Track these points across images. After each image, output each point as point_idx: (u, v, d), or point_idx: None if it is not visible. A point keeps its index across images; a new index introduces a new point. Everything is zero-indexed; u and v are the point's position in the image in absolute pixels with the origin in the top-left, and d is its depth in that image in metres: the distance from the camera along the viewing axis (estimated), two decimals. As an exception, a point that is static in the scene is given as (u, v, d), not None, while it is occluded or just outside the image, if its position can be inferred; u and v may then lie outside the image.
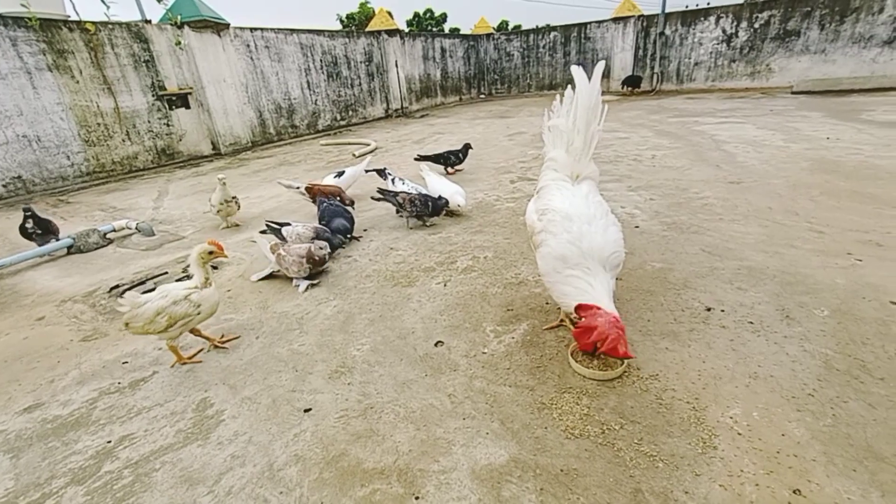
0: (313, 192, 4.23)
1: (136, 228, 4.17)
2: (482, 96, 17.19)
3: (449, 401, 1.86)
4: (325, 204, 3.73)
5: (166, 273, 3.30)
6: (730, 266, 2.77)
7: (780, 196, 3.93)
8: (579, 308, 1.84)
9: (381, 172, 4.53)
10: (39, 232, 3.90)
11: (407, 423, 1.77)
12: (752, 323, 2.20)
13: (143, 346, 2.45)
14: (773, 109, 8.56)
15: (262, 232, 3.46)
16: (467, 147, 5.81)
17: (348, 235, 3.49)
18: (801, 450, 1.49)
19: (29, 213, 3.84)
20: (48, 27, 6.29)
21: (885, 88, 9.55)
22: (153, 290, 3.02)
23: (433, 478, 1.51)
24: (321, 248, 2.96)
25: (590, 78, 2.10)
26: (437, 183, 4.21)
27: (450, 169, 5.77)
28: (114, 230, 4.21)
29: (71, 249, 3.92)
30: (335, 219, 3.51)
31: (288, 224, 3.36)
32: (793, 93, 10.56)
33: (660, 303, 2.44)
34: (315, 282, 3.02)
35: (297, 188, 4.41)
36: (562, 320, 2.30)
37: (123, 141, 7.30)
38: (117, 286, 3.14)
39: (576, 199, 2.12)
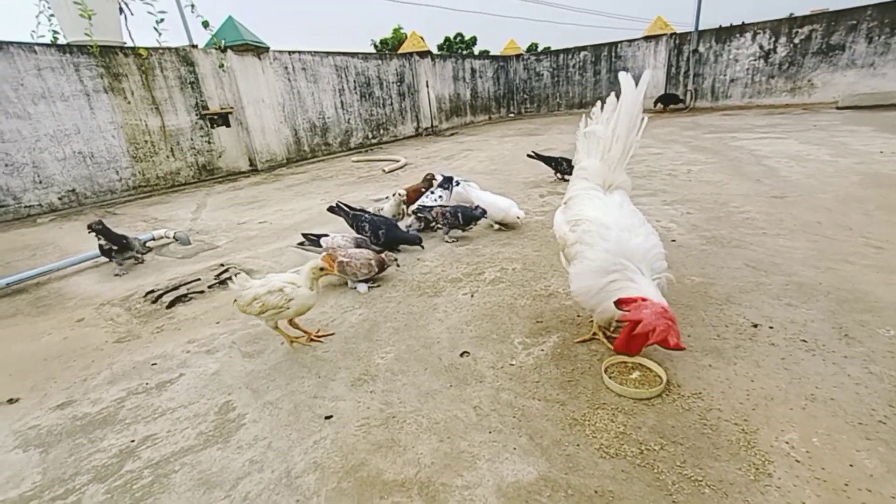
0: (410, 195, 4.35)
1: (174, 238, 4.32)
2: (511, 115, 17.28)
3: (474, 413, 1.78)
4: (367, 216, 3.69)
5: (199, 280, 3.38)
6: (777, 281, 2.58)
7: (830, 210, 3.68)
8: (621, 302, 1.71)
9: (444, 181, 4.37)
10: (115, 248, 3.71)
11: (430, 434, 1.69)
12: (805, 341, 2.02)
13: (172, 348, 2.48)
14: (816, 125, 8.18)
15: (300, 244, 3.52)
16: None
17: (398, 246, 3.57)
18: (876, 484, 1.32)
19: (99, 227, 3.59)
20: (106, 53, 6.76)
21: (942, 102, 9.00)
22: (186, 295, 3.11)
23: (456, 493, 1.42)
24: (392, 258, 3.09)
25: (636, 84, 2.03)
26: (487, 198, 4.01)
27: (559, 175, 5.69)
28: (153, 238, 4.37)
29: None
30: (392, 230, 3.54)
31: (326, 235, 3.42)
32: (838, 108, 10.09)
33: (701, 318, 2.29)
34: (376, 284, 3.06)
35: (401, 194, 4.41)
36: (594, 333, 2.18)
37: (168, 157, 7.68)
38: (152, 291, 3.23)
39: (610, 208, 2.04)
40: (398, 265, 3.13)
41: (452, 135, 12.74)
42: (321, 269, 2.25)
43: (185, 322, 2.79)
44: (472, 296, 2.79)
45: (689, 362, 1.95)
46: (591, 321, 2.24)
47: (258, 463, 1.62)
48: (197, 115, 7.97)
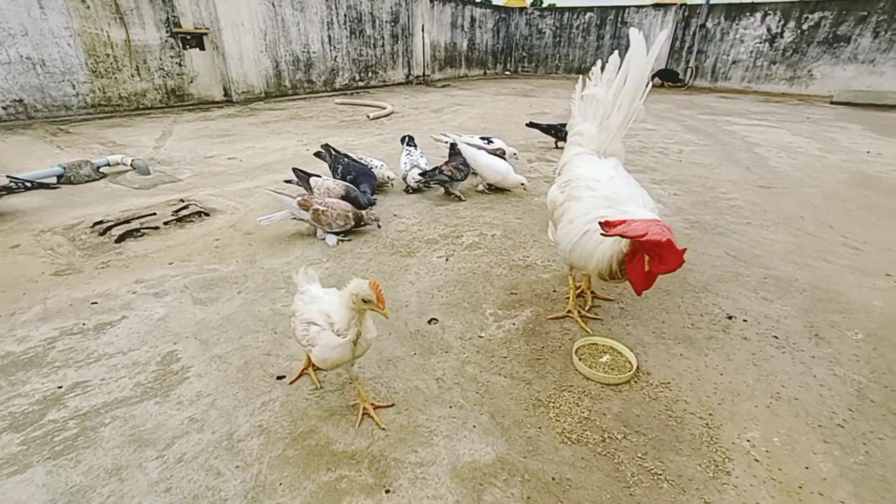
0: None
1: (132, 165, 3.97)
2: (507, 73, 16.60)
3: (436, 385, 1.69)
4: (346, 160, 3.46)
5: (154, 214, 3.12)
6: (755, 274, 2.55)
7: (814, 206, 3.66)
8: (606, 224, 1.45)
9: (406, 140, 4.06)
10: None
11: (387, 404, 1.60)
12: (776, 338, 1.99)
13: (116, 287, 2.28)
14: (809, 117, 8.13)
15: (287, 181, 3.28)
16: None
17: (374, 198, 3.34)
18: (828, 488, 1.31)
19: None
20: (60, -56, 5.93)
21: (931, 108, 9.05)
22: (138, 230, 2.87)
23: (408, 470, 1.35)
24: (373, 217, 2.91)
25: (648, 49, 1.83)
26: (483, 158, 3.76)
27: (559, 144, 5.42)
28: (108, 164, 4.01)
29: (61, 179, 3.73)
30: (362, 179, 3.30)
31: (318, 176, 3.17)
32: (832, 103, 10.06)
33: (677, 304, 2.23)
34: (347, 238, 2.88)
35: (447, 141, 4.15)
36: (569, 311, 2.10)
37: (132, 76, 7.02)
38: (101, 222, 2.96)
39: (603, 169, 1.90)
40: (379, 225, 2.95)
41: (444, 86, 12.16)
42: (365, 300, 1.35)
43: (135, 260, 2.57)
44: (446, 259, 2.66)
45: (660, 350, 1.90)
46: (567, 298, 2.16)
47: (198, 422, 1.50)
48: (167, 31, 7.23)
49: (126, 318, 2.05)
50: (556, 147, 5.48)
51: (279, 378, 1.70)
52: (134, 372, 1.71)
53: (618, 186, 1.72)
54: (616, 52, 2.05)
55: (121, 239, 2.77)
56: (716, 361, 1.83)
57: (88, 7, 6.33)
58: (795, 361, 1.84)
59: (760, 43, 11.84)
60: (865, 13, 10.31)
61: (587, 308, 2.15)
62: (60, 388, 1.62)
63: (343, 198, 3.01)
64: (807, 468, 1.37)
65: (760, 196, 3.89)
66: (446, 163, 3.67)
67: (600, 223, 1.46)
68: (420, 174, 3.65)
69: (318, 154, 3.64)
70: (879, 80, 10.44)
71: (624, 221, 1.42)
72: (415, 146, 3.91)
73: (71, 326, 1.96)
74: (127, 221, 2.97)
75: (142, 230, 2.89)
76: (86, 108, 6.61)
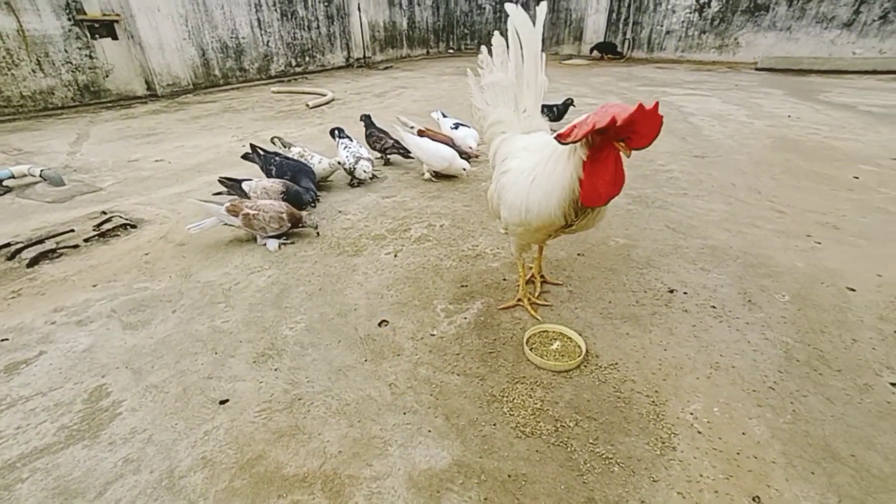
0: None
1: (41, 176, 3.58)
2: (451, 51, 16.32)
3: (389, 391, 1.66)
4: (277, 159, 3.26)
5: (73, 231, 2.84)
6: (693, 245, 2.67)
7: (744, 173, 3.87)
8: (560, 136, 1.36)
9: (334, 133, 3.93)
10: None
11: (339, 417, 1.55)
12: (714, 307, 2.10)
13: (31, 319, 2.07)
14: (737, 84, 8.56)
15: (217, 193, 3.04)
16: (567, 104, 5.21)
17: (317, 195, 3.17)
18: (761, 450, 1.40)
19: None
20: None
21: (840, 71, 9.77)
22: (54, 250, 2.61)
23: (363, 486, 1.32)
24: (311, 224, 2.77)
25: (534, 22, 1.80)
26: (427, 145, 3.69)
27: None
28: (12, 177, 3.60)
29: (-44, 198, 3.31)
30: (301, 176, 3.13)
31: (248, 179, 2.97)
32: (756, 69, 10.63)
33: (622, 283, 2.30)
34: (289, 241, 2.72)
35: (412, 128, 4.09)
36: (518, 300, 2.11)
37: (34, 72, 6.31)
38: (9, 244, 2.66)
39: (536, 136, 1.87)
40: (318, 233, 2.80)
41: (387, 69, 11.80)
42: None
43: (52, 285, 2.34)
44: (395, 255, 2.60)
45: (608, 330, 1.95)
46: (517, 287, 2.17)
47: (134, 462, 1.39)
48: (69, 19, 6.51)
49: (44, 353, 1.86)
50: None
51: (222, 403, 1.61)
52: (56, 414, 1.56)
53: (547, 137, 1.69)
54: (497, 32, 1.99)
55: (34, 262, 2.51)
56: (660, 337, 1.91)
57: (-30, -5, 5.58)
58: (732, 329, 1.95)
59: (691, 13, 12.26)
60: (782, -19, 10.87)
61: (537, 294, 2.17)
62: (-33, 443, 1.45)
63: (284, 196, 2.87)
64: (743, 434, 1.46)
65: (696, 166, 4.07)
66: (378, 137, 3.96)
67: (556, 136, 1.34)
68: (382, 151, 3.69)
69: (245, 157, 3.42)
70: (796, 47, 11.12)
71: (574, 125, 1.32)
72: (349, 137, 3.76)
73: (-23, 370, 1.76)
74: (40, 241, 2.69)
75: (58, 250, 2.63)
76: (-18, 111, 5.90)
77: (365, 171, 3.51)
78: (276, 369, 1.76)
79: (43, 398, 1.63)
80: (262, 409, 1.58)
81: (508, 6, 1.82)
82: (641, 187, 3.57)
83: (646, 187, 3.57)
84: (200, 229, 2.60)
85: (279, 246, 2.67)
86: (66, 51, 6.55)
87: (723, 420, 1.51)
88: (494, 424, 1.51)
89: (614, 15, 13.23)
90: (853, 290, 2.18)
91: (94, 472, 1.36)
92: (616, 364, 1.76)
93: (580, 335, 1.87)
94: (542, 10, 1.81)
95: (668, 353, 1.82)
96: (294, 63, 10.34)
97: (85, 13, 6.60)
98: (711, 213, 3.08)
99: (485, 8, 15.33)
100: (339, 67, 11.62)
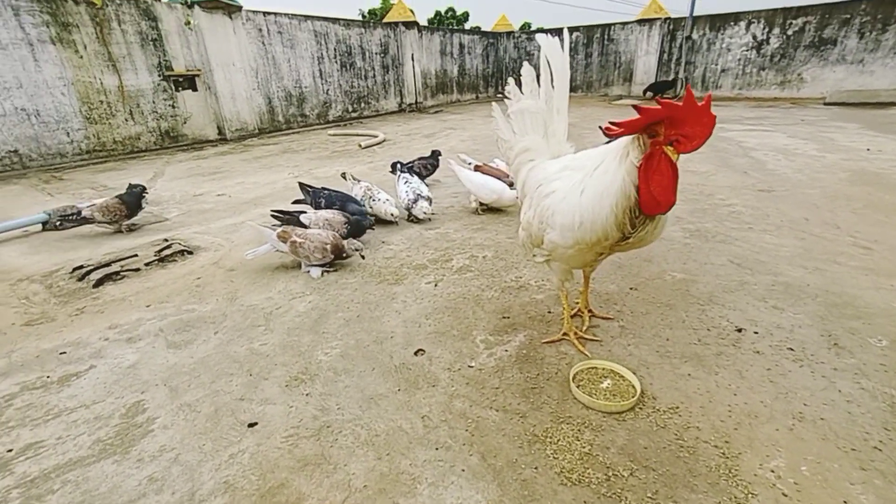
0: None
1: (118, 207, 3.91)
2: (500, 95, 16.82)
3: (422, 424, 1.54)
4: (325, 192, 3.38)
5: (136, 255, 3.04)
6: (762, 281, 2.40)
7: (817, 207, 3.53)
8: (607, 130, 1.32)
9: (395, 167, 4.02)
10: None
11: (367, 448, 1.45)
12: (792, 350, 1.84)
13: (88, 334, 2.17)
14: (804, 119, 8.08)
15: (275, 226, 3.15)
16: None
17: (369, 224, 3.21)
18: (869, 525, 1.14)
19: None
20: (53, -1, 6.11)
21: (926, 103, 8.99)
22: (118, 273, 2.78)
23: (387, 527, 1.19)
24: (355, 248, 2.74)
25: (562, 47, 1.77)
26: (478, 178, 3.70)
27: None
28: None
29: (46, 226, 3.68)
30: (349, 203, 3.22)
31: (304, 211, 3.09)
32: (825, 104, 10.03)
33: (681, 319, 2.09)
34: (331, 269, 2.76)
35: (470, 164, 4.19)
36: (564, 334, 1.96)
37: (126, 120, 7.11)
38: (81, 267, 2.88)
39: (574, 157, 1.78)
40: (363, 256, 2.81)
41: (437, 112, 12.30)
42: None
43: (111, 304, 2.47)
44: (435, 285, 2.53)
45: (666, 370, 1.75)
46: (562, 319, 2.02)
47: (158, 481, 1.36)
48: (160, 75, 7.37)
49: (94, 367, 1.92)
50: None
51: (251, 426, 1.56)
52: (94, 427, 1.58)
53: (590, 152, 1.58)
54: (526, 62, 1.99)
55: (99, 283, 2.68)
56: (728, 380, 1.67)
57: (81, 57, 6.47)
58: (816, 375, 1.68)
59: (747, 50, 11.94)
60: (848, 16, 10.40)
61: (584, 329, 2.01)
62: (10, 451, 1.48)
63: (348, 226, 2.92)
64: (845, 503, 1.20)
65: (761, 200, 3.77)
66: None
67: (603, 128, 1.29)
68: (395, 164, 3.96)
69: (297, 202, 3.55)
70: (870, 80, 10.44)
71: (622, 123, 1.26)
72: (410, 172, 3.80)
73: (34, 380, 1.84)
74: (107, 265, 2.89)
75: (122, 273, 2.80)
76: (80, 154, 6.67)
77: (424, 212, 3.46)
78: (307, 394, 1.70)
79: (86, 410, 1.66)
80: (289, 434, 1.52)
81: (539, 35, 1.84)
82: (700, 221, 3.34)
83: (705, 221, 3.33)
84: (256, 255, 2.72)
85: (322, 273, 2.70)
86: (153, 102, 7.38)
87: (815, 482, 1.26)
88: (536, 468, 1.35)
89: (665, 56, 13.14)
90: (971, 335, 1.84)
91: (119, 489, 1.33)
92: (677, 408, 1.55)
93: (634, 374, 1.68)
94: (565, 36, 1.81)
95: (739, 398, 1.58)
96: (350, 109, 11.03)
97: (173, 69, 7.46)
98: (782, 249, 2.79)
99: (533, 55, 15.78)
100: (392, 112, 12.25)
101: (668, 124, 1.19)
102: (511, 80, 2.01)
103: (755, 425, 1.46)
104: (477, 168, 4.07)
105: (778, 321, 2.03)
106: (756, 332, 1.96)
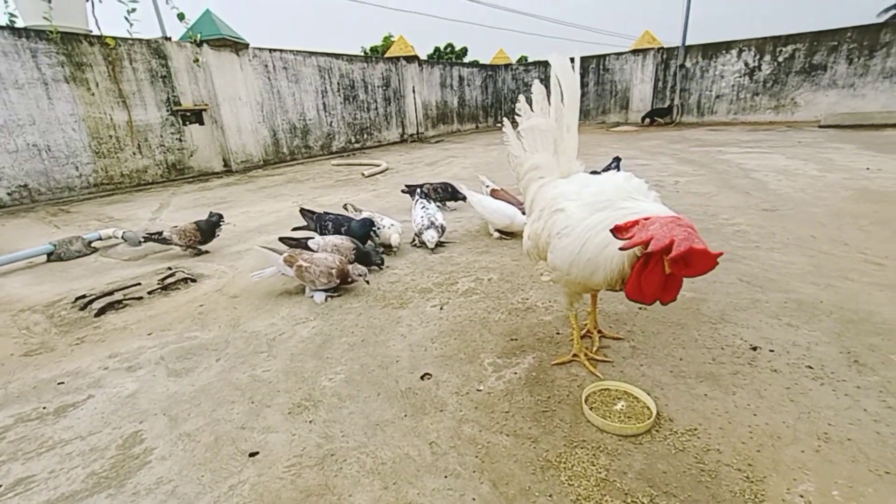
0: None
1: (122, 238, 3.94)
2: (499, 125, 17.17)
3: (429, 451, 1.48)
4: (331, 216, 3.41)
5: (139, 284, 3.02)
6: (774, 298, 2.36)
7: (823, 225, 3.51)
8: (617, 230, 1.30)
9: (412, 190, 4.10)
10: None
11: (373, 477, 1.38)
12: (811, 367, 1.78)
13: (88, 363, 2.13)
14: (801, 141, 8.17)
15: (285, 238, 3.14)
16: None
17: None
18: (912, 553, 1.06)
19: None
20: (69, 41, 6.36)
21: (921, 123, 9.10)
22: (120, 301, 2.76)
23: (395, 562, 1.12)
24: (359, 273, 2.72)
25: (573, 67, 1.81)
26: (491, 204, 3.75)
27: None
28: (100, 238, 3.99)
29: (51, 257, 3.69)
30: (357, 227, 3.23)
31: (311, 237, 3.10)
32: (820, 126, 10.17)
33: (693, 338, 2.03)
34: (335, 294, 2.73)
35: (487, 187, 4.29)
36: (574, 355, 1.91)
37: (134, 154, 7.26)
38: (84, 296, 2.86)
39: (574, 183, 1.77)
40: (367, 281, 2.79)
41: (438, 142, 12.52)
42: None
43: (112, 333, 2.44)
44: (441, 308, 2.50)
45: (681, 391, 1.69)
46: (572, 341, 1.97)
47: (154, 515, 1.29)
48: (168, 110, 7.57)
49: (92, 397, 1.88)
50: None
51: (252, 455, 1.50)
52: (89, 460, 1.52)
53: (604, 187, 1.58)
54: (537, 80, 2.04)
55: (101, 312, 2.66)
56: (746, 400, 1.61)
57: (93, 94, 6.67)
58: (839, 394, 1.62)
59: (741, 77, 12.23)
60: (835, 43, 10.69)
61: (595, 350, 1.96)
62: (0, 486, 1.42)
63: (356, 253, 2.91)
64: (879, 527, 1.13)
65: (765, 219, 3.76)
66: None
67: (612, 230, 1.29)
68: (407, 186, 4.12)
69: (297, 229, 3.59)
70: (862, 103, 10.63)
71: (638, 223, 1.26)
72: (428, 199, 3.82)
73: (29, 412, 1.79)
74: (110, 293, 2.87)
75: (124, 301, 2.78)
76: (88, 187, 6.78)
77: (430, 240, 3.39)
78: (310, 421, 1.65)
79: (81, 442, 1.61)
80: (291, 463, 1.45)
81: (550, 56, 1.87)
82: (706, 240, 3.31)
83: (711, 240, 3.30)
84: (261, 278, 2.73)
85: (325, 298, 2.67)
86: (161, 136, 7.55)
87: (847, 507, 1.19)
88: (550, 495, 1.28)
89: (660, 83, 13.47)
90: None
91: (114, 525, 1.27)
92: (695, 430, 1.49)
93: (649, 395, 1.62)
94: (577, 57, 1.87)
95: (760, 418, 1.52)
96: (353, 140, 11.25)
97: (181, 104, 7.67)
98: (791, 266, 2.76)
99: (531, 85, 16.15)
100: (394, 142, 12.49)
101: (676, 257, 1.17)
102: (522, 98, 2.05)
103: (779, 447, 1.40)
104: (493, 192, 4.09)
105: (794, 339, 1.98)
106: (772, 350, 1.90)
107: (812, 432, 1.45)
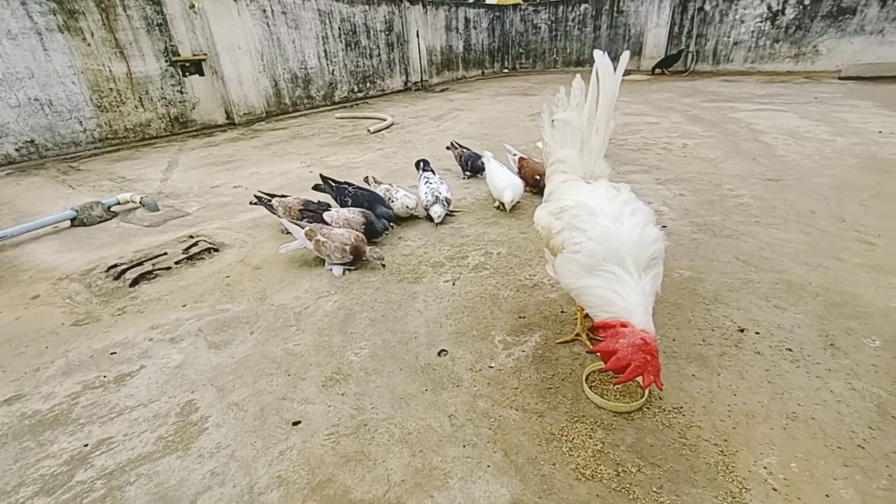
0: (523, 167, 4.02)
1: (140, 203, 4.06)
2: (505, 71, 16.54)
3: (449, 423, 1.71)
4: (351, 189, 3.48)
5: (165, 253, 3.19)
6: (766, 279, 2.52)
7: (825, 198, 3.59)
8: (596, 327, 1.60)
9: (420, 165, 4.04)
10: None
11: (402, 446, 1.62)
12: (790, 350, 1.97)
13: (133, 334, 2.34)
14: (817, 97, 7.96)
15: (299, 221, 3.21)
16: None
17: (391, 223, 3.31)
18: (849, 517, 1.30)
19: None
20: (58, -14, 6.07)
21: (944, 77, 8.79)
22: (151, 272, 2.94)
23: (425, 517, 1.37)
24: (376, 257, 2.84)
25: (615, 68, 1.82)
26: (497, 172, 3.77)
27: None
28: (118, 203, 4.11)
29: (74, 222, 3.83)
30: (377, 205, 3.34)
31: (327, 208, 3.21)
32: (840, 78, 9.82)
33: (687, 319, 2.22)
34: (353, 268, 2.89)
35: (515, 155, 4.22)
36: (577, 335, 2.10)
37: (136, 107, 7.17)
38: (115, 265, 3.04)
39: (596, 194, 1.88)
40: (383, 265, 2.90)
41: (443, 90, 12.16)
42: None
43: (149, 304, 2.64)
44: (453, 284, 2.67)
45: (672, 370, 1.89)
46: (575, 320, 2.16)
47: (220, 475, 1.54)
48: (167, 61, 7.36)
49: (144, 367, 2.10)
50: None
51: (295, 424, 1.74)
52: (155, 425, 1.76)
53: (615, 228, 1.68)
54: (578, 76, 2.06)
55: (135, 282, 2.84)
56: (729, 381, 1.82)
57: (89, 45, 6.47)
58: (811, 376, 1.82)
59: (762, 22, 11.62)
60: (869, -16, 10.03)
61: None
62: (86, 446, 1.67)
63: (365, 227, 3.03)
64: (827, 496, 1.36)
65: (769, 190, 3.83)
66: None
67: (589, 328, 1.65)
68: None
69: (316, 187, 3.67)
70: (890, 51, 10.16)
71: (615, 327, 1.51)
72: (432, 171, 3.87)
73: (93, 380, 2.02)
74: (140, 263, 3.04)
75: (154, 272, 2.96)
76: (94, 142, 6.77)
77: (437, 216, 3.47)
78: (342, 394, 1.87)
79: (144, 409, 1.85)
80: (330, 432, 1.69)
81: (597, 52, 1.87)
82: (708, 214, 3.42)
83: (713, 214, 3.42)
84: (287, 250, 2.94)
85: (343, 272, 2.84)
86: (162, 88, 7.39)
87: (802, 478, 1.41)
88: (554, 464, 1.51)
89: (676, 28, 12.81)
90: (960, 337, 1.96)
91: (187, 482, 1.52)
92: (681, 408, 1.70)
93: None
94: (624, 57, 1.85)
95: (739, 398, 1.73)
96: (356, 89, 10.94)
97: (179, 54, 7.44)
98: (787, 244, 2.89)
99: (540, 28, 15.42)
100: (398, 91, 12.14)
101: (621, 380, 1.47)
102: (562, 89, 2.11)
103: (752, 425, 1.61)
104: (521, 160, 4.06)
105: (779, 321, 2.16)
106: (757, 333, 2.09)
107: (782, 411, 1.66)
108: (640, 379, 1.49)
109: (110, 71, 6.76)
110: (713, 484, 1.41)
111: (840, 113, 6.54)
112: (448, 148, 4.68)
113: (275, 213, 3.44)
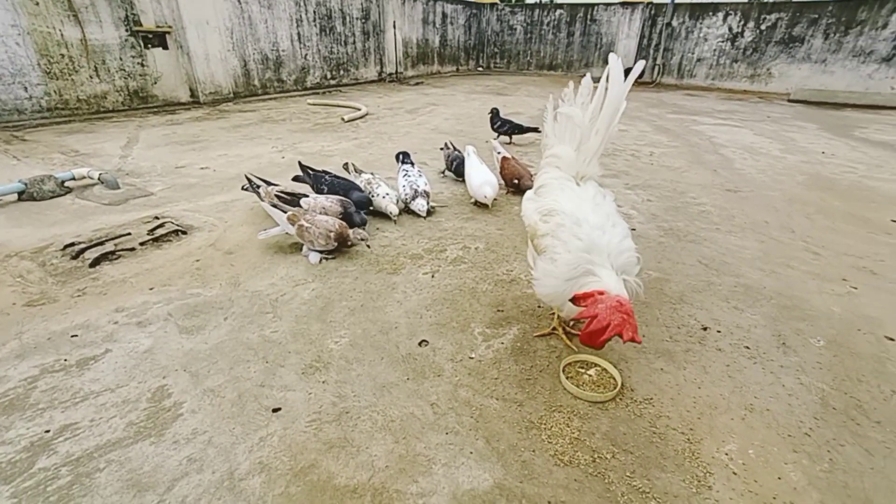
0: (505, 167, 3.99)
1: (99, 179, 3.81)
2: (480, 69, 16.64)
3: (431, 411, 1.73)
4: (328, 178, 3.42)
5: (129, 234, 3.02)
6: (727, 282, 2.70)
7: (777, 210, 3.88)
8: (577, 298, 1.65)
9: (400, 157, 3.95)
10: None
11: (385, 433, 1.63)
12: (748, 348, 2.13)
13: (96, 317, 2.22)
14: (770, 116, 8.53)
15: (274, 205, 3.11)
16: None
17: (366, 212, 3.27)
18: (798, 497, 1.43)
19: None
20: (6, -63, 5.57)
21: (877, 106, 9.63)
22: (113, 252, 2.78)
23: (411, 501, 1.39)
24: (360, 238, 2.80)
25: (626, 76, 1.89)
26: (475, 169, 3.79)
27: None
28: (73, 178, 3.84)
29: (22, 196, 3.55)
30: (352, 192, 3.27)
31: (305, 195, 3.12)
32: (789, 100, 10.55)
33: (655, 317, 2.35)
34: (330, 256, 2.84)
35: (499, 153, 4.15)
36: (553, 328, 2.18)
37: (91, 77, 6.69)
38: (73, 244, 2.85)
39: (584, 202, 1.96)
40: (368, 245, 2.89)
41: (417, 84, 12.09)
42: None
43: (113, 285, 2.50)
44: (432, 276, 2.69)
45: (642, 364, 2.00)
46: (552, 315, 2.24)
47: (197, 462, 1.49)
48: (127, 30, 6.91)
49: (110, 351, 2.00)
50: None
51: (275, 411, 1.71)
52: (124, 410, 1.68)
53: (597, 234, 1.78)
54: (588, 74, 2.12)
55: (95, 263, 2.68)
56: (694, 375, 1.94)
57: (38, 4, 5.98)
58: (766, 371, 1.98)
59: (723, 42, 12.29)
60: (816, 16, 10.84)
61: (572, 324, 2.23)
62: (48, 432, 1.57)
63: (341, 215, 2.98)
64: (779, 478, 1.49)
65: (728, 200, 4.09)
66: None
67: (572, 299, 1.68)
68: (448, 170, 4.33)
69: (296, 178, 3.58)
70: (831, 80, 11.03)
71: (593, 295, 1.60)
72: (411, 163, 3.85)
73: (52, 363, 1.90)
74: (101, 243, 2.87)
75: (117, 252, 2.80)
76: (41, 111, 6.27)
77: (420, 209, 3.44)
78: (323, 382, 1.86)
79: (111, 394, 1.76)
80: (312, 419, 1.68)
81: (611, 56, 1.92)
82: (673, 219, 3.61)
83: (678, 220, 3.61)
84: (267, 236, 2.85)
85: (320, 260, 2.80)
86: (120, 59, 6.94)
87: (758, 463, 1.54)
88: (533, 451, 1.57)
89: (645, 41, 13.32)
90: (892, 339, 2.18)
91: (162, 469, 1.46)
92: (651, 399, 1.81)
93: (615, 367, 1.92)
94: (639, 66, 1.89)
95: (703, 391, 1.86)
96: (329, 76, 10.69)
97: (141, 25, 7.00)
98: (744, 251, 3.10)
99: (516, 29, 15.61)
100: (372, 81, 11.96)
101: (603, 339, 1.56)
102: (571, 83, 2.15)
103: (715, 415, 1.74)
104: (504, 159, 4.08)
105: (738, 321, 2.33)
106: (719, 331, 2.24)
107: (741, 403, 1.80)
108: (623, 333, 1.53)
109: (62, 35, 6.27)
110: (681, 469, 1.52)
111: (790, 133, 7.04)
112: (442, 148, 4.64)
113: (261, 199, 3.33)
